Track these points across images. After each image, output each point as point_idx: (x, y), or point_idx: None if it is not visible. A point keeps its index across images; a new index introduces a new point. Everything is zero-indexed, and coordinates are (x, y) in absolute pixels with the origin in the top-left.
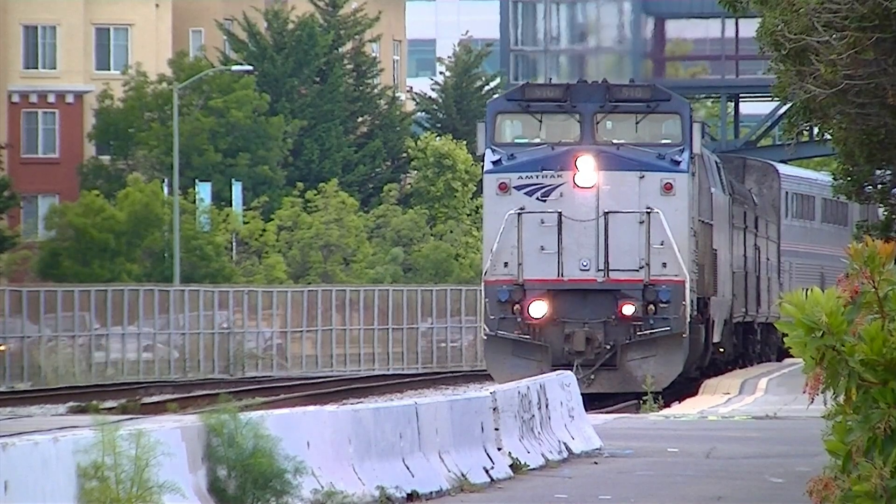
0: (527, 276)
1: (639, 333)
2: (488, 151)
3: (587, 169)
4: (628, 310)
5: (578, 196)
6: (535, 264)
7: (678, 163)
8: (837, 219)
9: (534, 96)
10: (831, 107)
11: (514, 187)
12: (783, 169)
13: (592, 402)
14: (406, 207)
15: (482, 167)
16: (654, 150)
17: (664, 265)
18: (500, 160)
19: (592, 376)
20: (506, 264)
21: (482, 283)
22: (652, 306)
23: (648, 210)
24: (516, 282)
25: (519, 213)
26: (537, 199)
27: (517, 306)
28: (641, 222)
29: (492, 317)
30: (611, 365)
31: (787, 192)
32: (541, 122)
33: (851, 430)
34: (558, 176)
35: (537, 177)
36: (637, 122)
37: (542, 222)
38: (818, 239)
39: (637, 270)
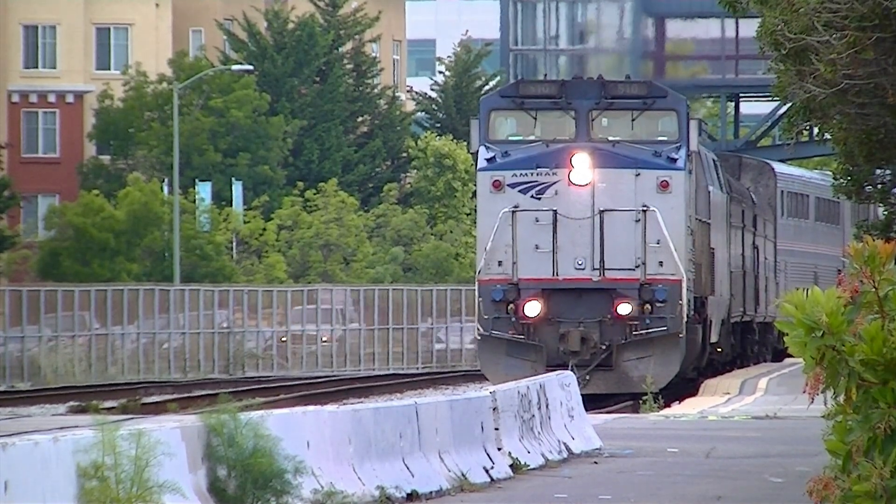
0: (521, 275)
1: (635, 333)
2: (482, 149)
3: (582, 166)
4: (624, 309)
5: (574, 194)
6: (530, 263)
7: (675, 160)
8: (830, 217)
9: (528, 93)
10: (831, 107)
11: (509, 185)
12: (779, 167)
13: (589, 402)
14: (406, 207)
15: (476, 165)
16: (651, 148)
17: (661, 264)
18: (494, 157)
19: (588, 377)
20: (500, 263)
21: (476, 283)
22: (648, 306)
23: (644, 208)
24: (511, 281)
25: (513, 212)
26: (532, 196)
27: (511, 306)
28: (637, 220)
29: (486, 316)
30: (606, 365)
31: (782, 191)
32: (535, 118)
33: (851, 430)
34: (553, 173)
35: (532, 174)
36: (633, 119)
37: (537, 220)
38: (812, 238)
39: (633, 269)
